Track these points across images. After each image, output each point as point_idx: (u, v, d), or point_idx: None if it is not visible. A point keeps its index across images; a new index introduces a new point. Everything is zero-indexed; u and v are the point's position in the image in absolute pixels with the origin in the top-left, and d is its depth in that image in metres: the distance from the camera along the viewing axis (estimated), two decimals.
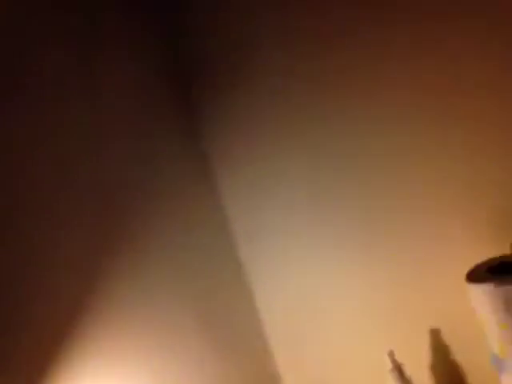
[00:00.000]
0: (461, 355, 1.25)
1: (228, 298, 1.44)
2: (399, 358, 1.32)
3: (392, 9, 1.14)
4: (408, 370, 1.32)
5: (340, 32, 1.21)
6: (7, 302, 0.99)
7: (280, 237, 1.45)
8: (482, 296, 1.05)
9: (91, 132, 1.23)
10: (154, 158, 1.36)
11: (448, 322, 1.26)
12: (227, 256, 1.48)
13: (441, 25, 1.10)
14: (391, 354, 1.24)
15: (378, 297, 1.34)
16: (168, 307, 1.30)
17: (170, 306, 1.31)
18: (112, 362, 1.14)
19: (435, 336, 1.30)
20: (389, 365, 1.26)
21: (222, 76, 1.43)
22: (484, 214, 1.15)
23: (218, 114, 1.46)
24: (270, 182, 1.43)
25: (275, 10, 1.29)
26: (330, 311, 1.41)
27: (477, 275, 1.08)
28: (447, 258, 1.21)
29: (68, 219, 1.13)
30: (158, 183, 1.36)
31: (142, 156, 1.34)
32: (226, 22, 1.38)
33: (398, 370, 1.24)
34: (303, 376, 1.50)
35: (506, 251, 1.14)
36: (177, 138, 1.45)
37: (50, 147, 1.13)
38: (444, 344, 1.29)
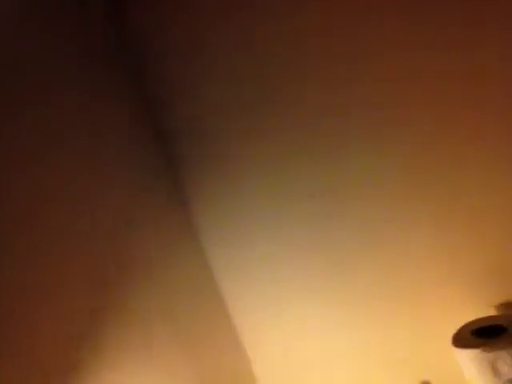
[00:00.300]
0: None
1: (220, 355, 1.43)
2: None
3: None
4: None
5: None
6: None
7: (272, 291, 1.44)
8: (469, 360, 1.05)
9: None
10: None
11: (439, 379, 1.27)
12: (219, 314, 1.48)
13: None
14: None
15: (370, 354, 1.34)
16: (164, 361, 1.29)
17: (166, 358, 1.30)
18: None
19: None
20: None
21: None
22: (470, 278, 1.18)
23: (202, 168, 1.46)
24: (258, 238, 1.42)
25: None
26: (323, 369, 1.39)
27: (463, 338, 1.08)
28: (437, 319, 1.23)
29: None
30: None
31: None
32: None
33: None
34: None
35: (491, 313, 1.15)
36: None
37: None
38: None
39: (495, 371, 1.04)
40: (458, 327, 1.11)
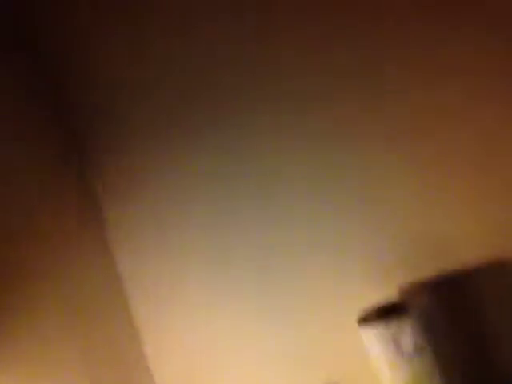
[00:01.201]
0: None
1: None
2: None
3: None
4: None
5: None
6: None
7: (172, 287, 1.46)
8: (372, 338, 1.12)
9: None
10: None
11: (345, 368, 1.33)
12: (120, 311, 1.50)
13: None
14: None
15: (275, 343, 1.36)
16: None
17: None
18: None
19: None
20: None
21: None
22: (375, 260, 1.22)
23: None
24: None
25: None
26: (227, 362, 1.42)
27: (367, 319, 1.15)
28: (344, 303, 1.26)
29: None
30: None
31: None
32: None
33: None
34: None
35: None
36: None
37: None
38: None
39: (398, 345, 1.12)
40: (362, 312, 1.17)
